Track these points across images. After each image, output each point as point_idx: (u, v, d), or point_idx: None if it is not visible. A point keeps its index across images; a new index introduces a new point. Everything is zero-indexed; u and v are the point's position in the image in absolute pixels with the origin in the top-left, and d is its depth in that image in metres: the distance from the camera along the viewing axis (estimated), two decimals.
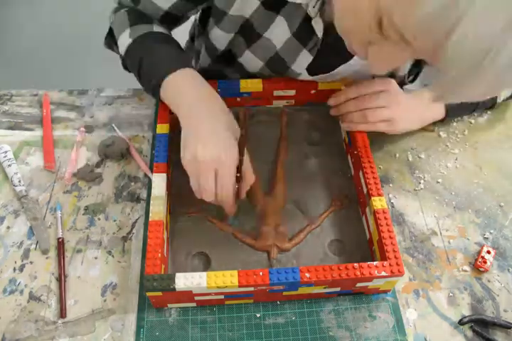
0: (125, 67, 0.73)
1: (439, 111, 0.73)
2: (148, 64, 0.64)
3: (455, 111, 0.74)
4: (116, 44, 0.71)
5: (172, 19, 0.69)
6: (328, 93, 0.73)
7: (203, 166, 0.55)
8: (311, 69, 0.68)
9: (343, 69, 0.68)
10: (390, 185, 0.70)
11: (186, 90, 0.61)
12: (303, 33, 0.63)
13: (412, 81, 0.73)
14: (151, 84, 0.63)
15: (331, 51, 0.62)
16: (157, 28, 0.68)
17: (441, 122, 0.75)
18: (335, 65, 0.67)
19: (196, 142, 0.56)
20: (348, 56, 0.64)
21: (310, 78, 0.70)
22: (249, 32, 0.66)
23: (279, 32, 0.64)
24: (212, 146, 0.55)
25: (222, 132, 0.57)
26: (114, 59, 0.77)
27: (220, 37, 0.69)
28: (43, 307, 0.56)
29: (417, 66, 0.71)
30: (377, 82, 0.67)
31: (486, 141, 0.76)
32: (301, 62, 0.67)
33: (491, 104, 0.78)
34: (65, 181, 0.68)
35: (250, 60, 0.70)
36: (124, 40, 0.67)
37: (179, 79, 0.62)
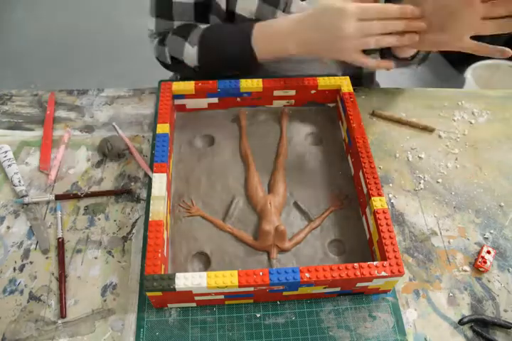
0: (205, 70, 0.76)
1: None
2: (229, 48, 0.70)
3: None
4: (182, 63, 0.76)
5: (204, 9, 0.75)
6: (328, 93, 0.73)
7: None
8: None
9: None
10: (390, 185, 0.70)
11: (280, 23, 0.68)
12: None
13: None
14: (242, 53, 0.69)
15: None
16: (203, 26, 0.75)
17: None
18: None
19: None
20: None
21: (300, 4, 0.74)
22: None
23: None
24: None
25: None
26: (114, 59, 0.77)
27: None
28: (43, 307, 0.56)
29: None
30: None
31: (486, 141, 0.76)
32: None
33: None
34: (48, 181, 0.67)
35: (246, 1, 0.74)
36: (190, 51, 0.73)
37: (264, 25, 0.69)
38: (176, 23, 0.77)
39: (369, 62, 0.65)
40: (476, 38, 0.64)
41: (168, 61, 0.78)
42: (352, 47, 0.63)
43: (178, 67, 0.79)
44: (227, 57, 0.72)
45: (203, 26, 0.74)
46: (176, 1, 0.74)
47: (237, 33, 0.71)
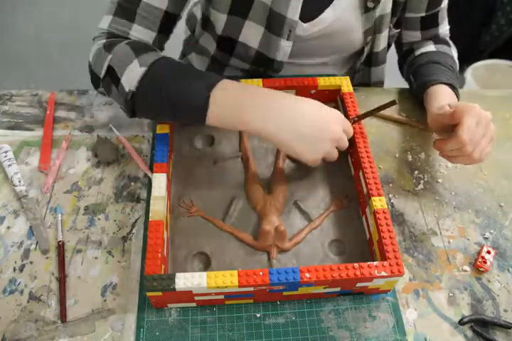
0: (138, 101, 0.60)
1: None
2: (181, 85, 0.57)
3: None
4: (117, 82, 0.60)
5: (171, 21, 0.69)
6: (328, 93, 0.73)
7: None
8: (303, 17, 0.72)
9: (329, 15, 0.72)
10: (390, 185, 0.70)
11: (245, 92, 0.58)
12: None
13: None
14: (195, 101, 0.56)
15: None
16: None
17: None
18: (322, 7, 0.72)
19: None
20: None
21: (304, 26, 0.73)
22: (240, 2, 0.70)
23: None
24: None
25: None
26: None
27: (218, 19, 0.74)
28: (43, 307, 0.56)
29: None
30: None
31: None
32: (294, 7, 0.69)
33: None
34: (43, 191, 0.66)
35: (250, 30, 0.73)
36: (135, 72, 0.59)
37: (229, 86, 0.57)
38: (135, 28, 0.64)
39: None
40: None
41: (103, 73, 0.62)
42: (325, 152, 0.60)
43: (108, 85, 0.62)
44: (170, 98, 0.57)
45: (163, 55, 0.62)
46: (145, 0, 0.63)
47: (199, 82, 0.57)
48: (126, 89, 0.59)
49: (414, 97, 0.80)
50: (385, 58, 0.86)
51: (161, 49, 0.70)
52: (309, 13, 0.72)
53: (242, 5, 0.71)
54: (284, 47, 0.74)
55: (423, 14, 0.79)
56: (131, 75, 0.59)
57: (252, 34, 0.74)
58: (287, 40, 0.73)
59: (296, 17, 0.70)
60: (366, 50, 0.81)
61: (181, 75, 0.58)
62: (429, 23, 0.81)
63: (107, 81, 0.62)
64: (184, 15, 0.74)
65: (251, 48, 0.76)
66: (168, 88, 0.57)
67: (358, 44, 0.80)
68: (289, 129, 0.56)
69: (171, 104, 0.58)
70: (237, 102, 0.56)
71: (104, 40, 0.64)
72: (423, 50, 0.81)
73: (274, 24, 0.72)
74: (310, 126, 0.57)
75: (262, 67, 0.80)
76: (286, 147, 0.58)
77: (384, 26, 0.77)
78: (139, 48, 0.61)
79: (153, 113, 0.63)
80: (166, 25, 0.67)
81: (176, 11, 0.67)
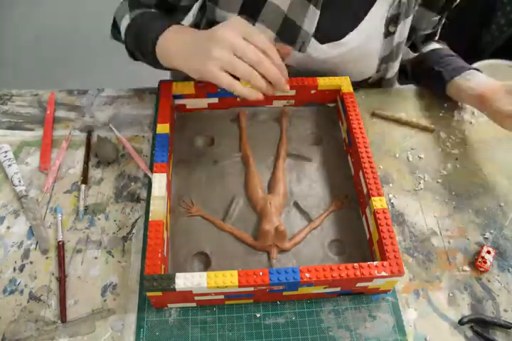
0: (129, 51, 0.74)
1: None
2: (144, 29, 0.66)
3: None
4: (119, 32, 0.73)
5: (167, 7, 0.71)
6: (328, 93, 0.73)
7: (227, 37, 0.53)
8: (321, 36, 0.69)
9: (352, 38, 0.69)
10: (390, 185, 0.70)
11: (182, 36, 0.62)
12: None
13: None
14: (149, 40, 0.63)
15: (337, 7, 0.65)
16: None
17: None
18: (345, 30, 0.69)
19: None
20: (358, 13, 0.67)
21: (323, 48, 0.71)
22: (251, 2, 0.67)
23: None
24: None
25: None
26: (114, 59, 0.77)
27: (225, 18, 0.71)
28: (43, 307, 0.56)
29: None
30: None
31: (486, 141, 0.76)
32: (311, 19, 0.67)
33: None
34: (43, 191, 0.67)
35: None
36: (125, 23, 0.70)
37: (173, 31, 0.62)
38: None
39: (236, 85, 0.55)
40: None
41: (124, 24, 0.72)
42: (214, 69, 0.55)
43: (115, 34, 0.78)
44: (140, 44, 0.67)
45: (150, 10, 0.72)
46: None
47: (153, 27, 0.65)
48: (122, 37, 0.72)
49: (436, 86, 0.78)
50: (394, 81, 0.85)
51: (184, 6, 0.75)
52: (330, 34, 0.70)
53: (253, 4, 0.69)
54: (294, 59, 0.73)
55: (429, 31, 0.80)
56: (123, 26, 0.71)
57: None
58: (299, 51, 0.72)
59: (312, 29, 0.68)
60: (376, 76, 0.80)
61: (146, 27, 0.66)
62: (432, 36, 0.83)
63: (113, 30, 0.78)
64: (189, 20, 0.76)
65: None
66: (139, 33, 0.67)
67: (371, 72, 0.78)
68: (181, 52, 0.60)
69: (138, 45, 0.68)
70: (175, 40, 0.62)
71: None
72: (431, 47, 0.81)
73: (287, 32, 0.70)
74: (197, 42, 0.58)
75: None
76: (191, 70, 0.58)
77: (399, 53, 0.76)
78: (134, 4, 0.71)
79: (137, 55, 0.71)
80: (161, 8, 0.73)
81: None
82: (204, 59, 0.54)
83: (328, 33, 0.69)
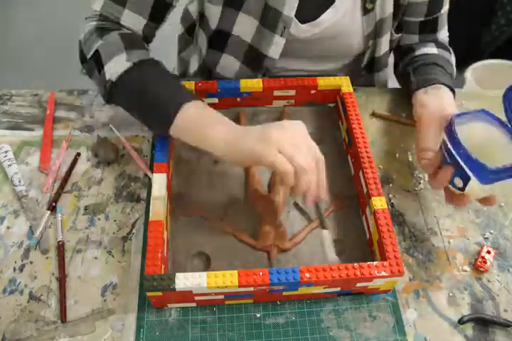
0: (108, 94, 0.64)
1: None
2: (157, 94, 0.59)
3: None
4: (100, 67, 0.63)
5: (163, 8, 0.69)
6: (328, 93, 0.73)
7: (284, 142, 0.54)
8: (302, 18, 0.72)
9: (330, 16, 0.72)
10: (390, 185, 0.70)
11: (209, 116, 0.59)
12: None
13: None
14: (162, 114, 0.59)
15: None
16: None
17: None
18: (322, 9, 0.72)
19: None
20: None
21: (303, 28, 0.73)
22: None
23: None
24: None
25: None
26: None
27: (213, 13, 0.73)
28: (43, 307, 0.56)
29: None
30: None
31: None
32: (290, 3, 0.69)
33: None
34: (43, 191, 0.66)
35: (244, 23, 0.73)
36: (119, 64, 0.61)
37: (194, 109, 0.58)
38: (126, 13, 0.66)
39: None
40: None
41: (90, 54, 0.65)
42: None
43: (91, 68, 0.65)
44: (145, 99, 0.60)
45: (152, 57, 0.64)
46: None
47: (170, 97, 0.59)
48: (107, 78, 0.62)
49: (405, 91, 0.79)
50: (387, 63, 0.86)
51: (152, 36, 0.72)
52: (308, 14, 0.72)
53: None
54: (277, 44, 0.74)
55: (422, 19, 0.78)
56: (116, 66, 0.61)
57: (245, 27, 0.74)
58: (281, 36, 0.73)
59: (292, 14, 0.70)
60: (367, 55, 0.80)
61: (161, 81, 0.61)
62: (428, 27, 0.81)
63: (91, 63, 0.65)
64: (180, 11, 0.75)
65: (244, 42, 0.75)
66: (145, 89, 0.60)
67: (357, 48, 0.79)
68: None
69: (143, 104, 0.61)
70: (202, 121, 0.58)
71: (96, 23, 0.67)
72: (425, 50, 0.80)
73: (269, 19, 0.71)
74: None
75: (252, 67, 0.79)
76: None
77: (385, 30, 0.77)
78: (131, 42, 0.64)
79: (125, 107, 0.65)
80: (157, 12, 0.68)
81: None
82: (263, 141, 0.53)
83: (306, 14, 0.72)
